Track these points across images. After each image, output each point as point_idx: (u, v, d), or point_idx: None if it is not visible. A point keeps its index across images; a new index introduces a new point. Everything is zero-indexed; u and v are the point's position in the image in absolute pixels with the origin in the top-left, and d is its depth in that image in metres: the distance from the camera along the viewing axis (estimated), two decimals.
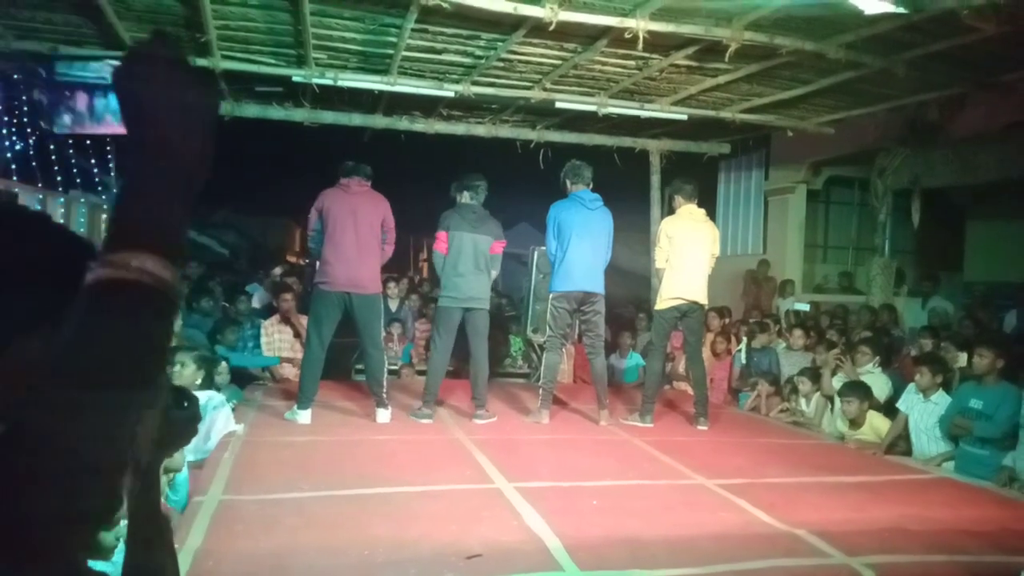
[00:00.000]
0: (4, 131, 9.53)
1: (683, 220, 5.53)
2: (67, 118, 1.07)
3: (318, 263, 5.17)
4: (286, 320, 6.75)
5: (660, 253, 5.55)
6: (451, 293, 5.34)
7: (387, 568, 2.74)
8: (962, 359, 5.24)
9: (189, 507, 3.23)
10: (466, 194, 5.48)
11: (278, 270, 8.88)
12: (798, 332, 6.84)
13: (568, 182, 5.61)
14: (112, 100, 0.94)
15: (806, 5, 4.46)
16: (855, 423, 5.22)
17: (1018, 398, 4.42)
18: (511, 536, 3.07)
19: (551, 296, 5.53)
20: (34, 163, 10.33)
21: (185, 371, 4.12)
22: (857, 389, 5.23)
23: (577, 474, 4.06)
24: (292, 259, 17.71)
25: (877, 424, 5.18)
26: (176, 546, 2.77)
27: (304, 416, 4.97)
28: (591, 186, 5.59)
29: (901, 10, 4.24)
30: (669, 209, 5.94)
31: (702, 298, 5.48)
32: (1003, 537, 3.34)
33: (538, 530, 3.12)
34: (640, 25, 4.76)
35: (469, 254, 5.31)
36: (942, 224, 9.92)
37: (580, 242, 5.35)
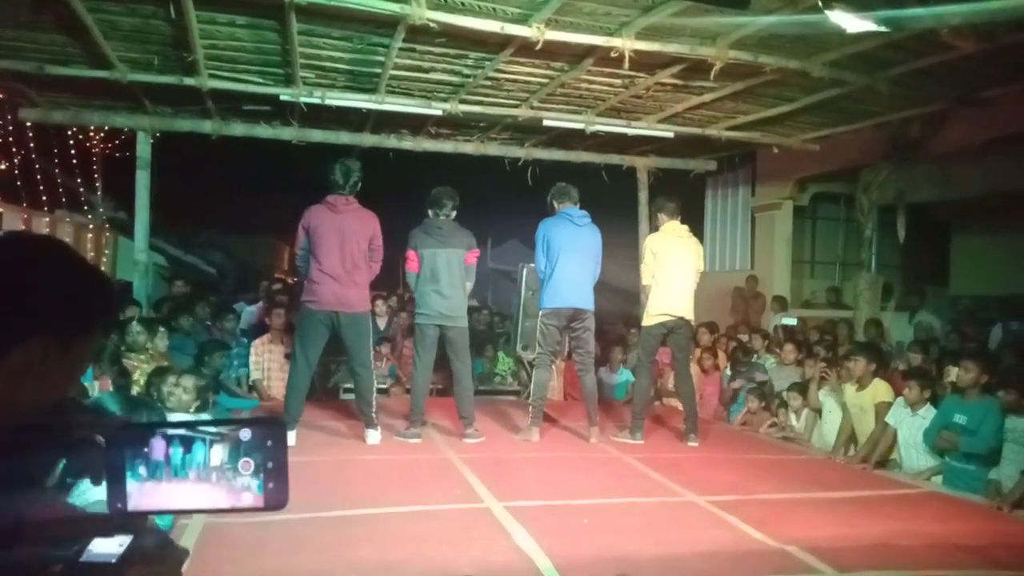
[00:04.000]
0: None
1: (667, 236, 5.56)
2: (141, 470, 0.93)
3: (305, 282, 5.13)
4: (278, 339, 6.70)
5: (645, 270, 5.57)
6: (424, 310, 5.32)
7: None
8: (954, 373, 5.25)
9: (174, 530, 3.18)
10: (429, 212, 5.43)
11: (277, 286, 8.82)
12: (789, 347, 6.84)
13: (555, 203, 5.63)
14: (198, 452, 0.76)
15: (790, 24, 4.51)
16: (861, 384, 5.23)
17: (1000, 413, 4.42)
18: (501, 556, 3.04)
19: (541, 313, 5.52)
20: (19, 183, 10.27)
21: (185, 396, 4.10)
22: (866, 349, 5.25)
23: (567, 492, 4.04)
24: (280, 277, 17.64)
25: (882, 391, 5.16)
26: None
27: (288, 437, 4.90)
28: (578, 204, 5.61)
29: (882, 29, 4.30)
30: (654, 227, 5.97)
31: (688, 314, 5.49)
32: (993, 551, 3.33)
33: (528, 550, 3.09)
34: (626, 44, 4.81)
35: (442, 270, 5.27)
36: (927, 239, 10.00)
37: (569, 258, 5.36)
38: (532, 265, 6.30)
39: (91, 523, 0.78)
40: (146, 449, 0.73)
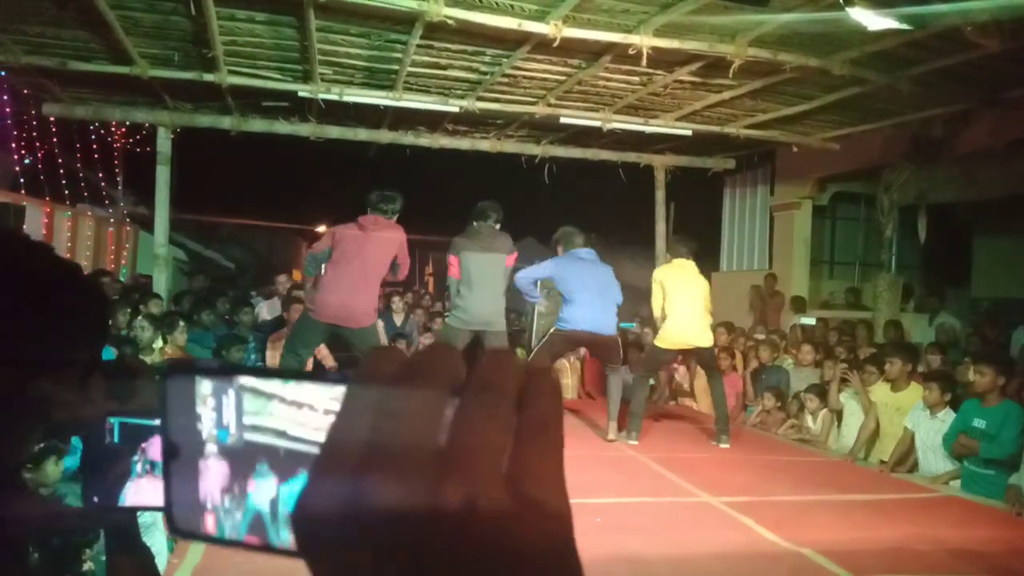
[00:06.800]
0: (13, 145, 9.61)
1: (674, 269, 5.55)
2: (139, 467, 0.94)
3: (315, 292, 5.12)
4: None
5: (655, 302, 5.55)
6: (461, 315, 5.27)
7: None
8: (971, 372, 5.17)
9: None
10: (474, 224, 5.40)
11: (283, 278, 8.85)
12: (807, 348, 6.77)
13: (560, 247, 5.57)
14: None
15: (810, 21, 4.47)
16: (896, 385, 5.18)
17: (1020, 417, 4.35)
18: None
19: (553, 330, 5.45)
20: (42, 177, 10.40)
21: None
22: (902, 350, 5.19)
23: (580, 490, 4.02)
24: (297, 274, 17.74)
25: (915, 395, 5.10)
26: (175, 561, 2.74)
27: None
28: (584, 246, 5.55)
29: (904, 26, 4.25)
30: (668, 245, 5.95)
31: (704, 342, 5.46)
32: (1011, 558, 3.28)
33: None
34: (644, 41, 4.78)
35: (482, 274, 5.22)
36: (949, 240, 9.87)
37: (587, 292, 5.27)
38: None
39: (66, 517, 0.77)
40: (144, 446, 0.71)
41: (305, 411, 0.34)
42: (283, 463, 0.34)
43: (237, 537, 0.35)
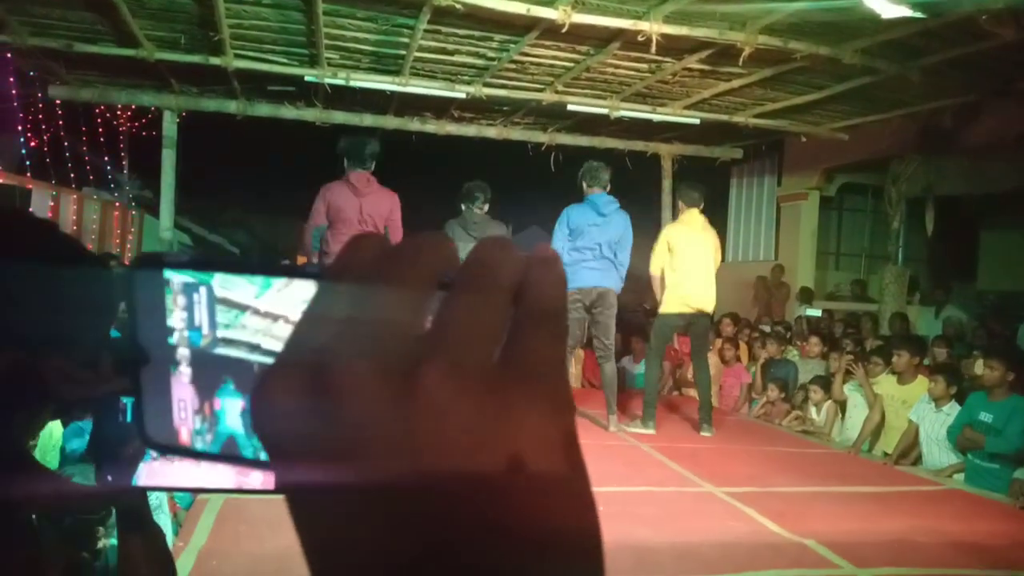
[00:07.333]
0: (19, 128, 9.60)
1: (684, 227, 5.46)
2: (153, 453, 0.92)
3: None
4: None
5: (655, 260, 5.47)
6: None
7: None
8: (978, 365, 5.15)
9: (194, 505, 3.22)
10: (462, 206, 5.35)
11: (285, 263, 8.87)
12: (814, 339, 6.75)
13: (584, 184, 5.49)
14: None
15: (821, 9, 4.42)
16: (903, 378, 5.17)
17: None
18: None
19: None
20: (47, 160, 10.40)
21: None
22: (910, 342, 5.21)
23: None
24: (301, 259, 17.73)
25: (921, 388, 5.09)
26: (180, 544, 2.74)
27: None
28: (608, 188, 5.49)
29: (918, 15, 4.20)
30: (676, 214, 5.89)
31: (708, 307, 5.41)
32: (1014, 552, 3.28)
33: None
34: (653, 28, 4.74)
35: None
36: (956, 233, 9.83)
37: (591, 245, 5.29)
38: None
39: (76, 497, 0.76)
40: None
41: (280, 323, 0.32)
42: (255, 380, 0.30)
43: (210, 450, 0.33)
